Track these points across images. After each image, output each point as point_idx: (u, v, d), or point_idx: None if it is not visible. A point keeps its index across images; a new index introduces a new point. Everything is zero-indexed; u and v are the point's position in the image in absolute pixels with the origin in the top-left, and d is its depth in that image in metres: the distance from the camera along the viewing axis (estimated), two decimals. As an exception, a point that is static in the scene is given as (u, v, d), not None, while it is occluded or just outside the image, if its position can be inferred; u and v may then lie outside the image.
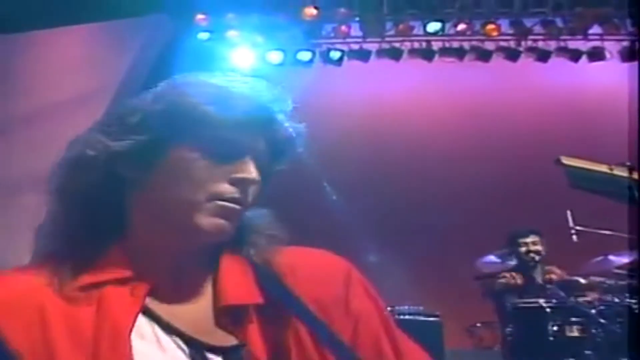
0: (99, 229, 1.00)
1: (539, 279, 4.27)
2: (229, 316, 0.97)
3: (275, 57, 6.11)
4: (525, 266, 4.43)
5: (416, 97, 6.65)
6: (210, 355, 0.95)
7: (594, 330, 3.20)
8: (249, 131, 0.98)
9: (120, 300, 0.95)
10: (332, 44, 6.32)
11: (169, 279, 1.00)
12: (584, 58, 6.40)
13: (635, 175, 3.74)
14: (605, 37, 6.42)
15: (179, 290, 0.99)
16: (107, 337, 0.92)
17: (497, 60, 6.43)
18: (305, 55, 6.17)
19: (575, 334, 3.22)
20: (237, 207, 0.96)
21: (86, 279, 0.96)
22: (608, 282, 3.75)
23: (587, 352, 3.12)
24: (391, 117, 6.52)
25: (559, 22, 6.39)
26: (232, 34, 5.94)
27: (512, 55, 6.45)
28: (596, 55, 6.38)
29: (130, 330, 0.93)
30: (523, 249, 4.41)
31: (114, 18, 4.57)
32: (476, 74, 6.51)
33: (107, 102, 3.92)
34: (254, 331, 0.97)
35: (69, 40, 4.74)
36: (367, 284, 1.08)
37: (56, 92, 3.96)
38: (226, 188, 0.96)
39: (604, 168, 3.82)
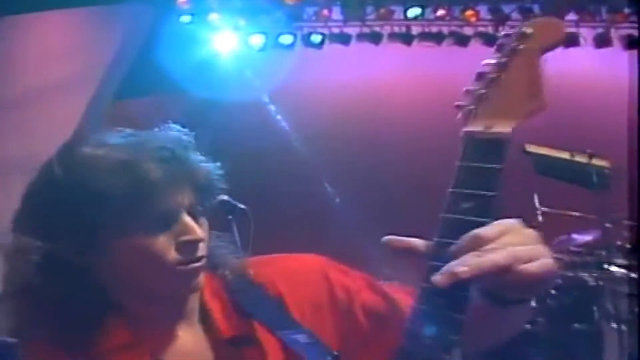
0: (85, 307, 1.00)
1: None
2: (225, 345, 1.05)
3: (257, 40, 6.22)
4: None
5: (395, 80, 6.79)
6: None
7: (548, 301, 3.47)
8: (171, 189, 0.96)
9: None
10: (314, 27, 6.42)
11: (167, 332, 1.05)
12: (559, 44, 6.55)
13: (595, 162, 3.93)
14: (580, 24, 6.59)
15: (176, 335, 1.06)
16: None
17: (475, 46, 6.57)
18: (286, 39, 6.27)
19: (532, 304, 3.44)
20: (197, 265, 1.00)
21: (93, 353, 0.98)
22: (566, 258, 3.99)
23: (539, 319, 3.38)
24: (371, 99, 6.66)
25: (536, 9, 6.53)
26: (213, 17, 6.03)
27: (490, 40, 6.59)
28: (570, 41, 6.54)
29: None
30: None
31: (96, 3, 4.65)
32: (455, 58, 6.65)
33: (91, 89, 4.00)
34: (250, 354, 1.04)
35: (51, 25, 4.82)
36: (344, 268, 1.15)
37: (38, 79, 4.02)
38: (178, 256, 0.98)
39: (565, 155, 4.00)
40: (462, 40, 6.56)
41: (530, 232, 0.90)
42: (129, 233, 0.96)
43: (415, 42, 6.52)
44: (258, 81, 6.20)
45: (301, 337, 1.03)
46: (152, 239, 0.96)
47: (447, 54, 6.61)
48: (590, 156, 3.92)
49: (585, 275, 3.78)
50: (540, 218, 4.38)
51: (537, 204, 4.40)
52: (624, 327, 3.46)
